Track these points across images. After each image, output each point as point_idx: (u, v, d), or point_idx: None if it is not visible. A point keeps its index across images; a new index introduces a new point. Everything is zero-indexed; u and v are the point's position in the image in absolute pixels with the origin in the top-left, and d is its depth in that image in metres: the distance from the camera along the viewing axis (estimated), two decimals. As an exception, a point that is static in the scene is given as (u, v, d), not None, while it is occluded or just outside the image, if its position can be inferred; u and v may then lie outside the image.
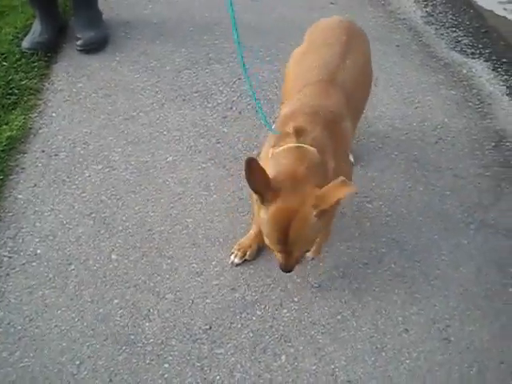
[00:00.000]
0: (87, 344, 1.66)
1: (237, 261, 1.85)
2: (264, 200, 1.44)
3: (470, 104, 2.47)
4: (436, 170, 2.18)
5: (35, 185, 2.10)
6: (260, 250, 1.87)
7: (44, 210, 2.01)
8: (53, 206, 2.03)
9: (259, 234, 1.79)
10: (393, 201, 2.06)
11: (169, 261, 1.87)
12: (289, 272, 1.58)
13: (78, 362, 1.62)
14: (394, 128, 2.34)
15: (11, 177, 2.12)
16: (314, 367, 1.62)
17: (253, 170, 1.40)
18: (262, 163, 1.44)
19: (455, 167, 2.19)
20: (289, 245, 1.45)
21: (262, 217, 1.47)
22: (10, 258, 1.87)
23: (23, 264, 1.85)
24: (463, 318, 1.73)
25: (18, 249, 1.89)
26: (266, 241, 1.51)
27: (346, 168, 1.70)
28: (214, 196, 2.07)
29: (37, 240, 1.92)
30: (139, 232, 1.95)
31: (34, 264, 1.85)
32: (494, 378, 1.60)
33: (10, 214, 2.00)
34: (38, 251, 1.89)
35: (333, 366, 1.62)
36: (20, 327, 1.69)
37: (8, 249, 1.89)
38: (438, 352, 1.66)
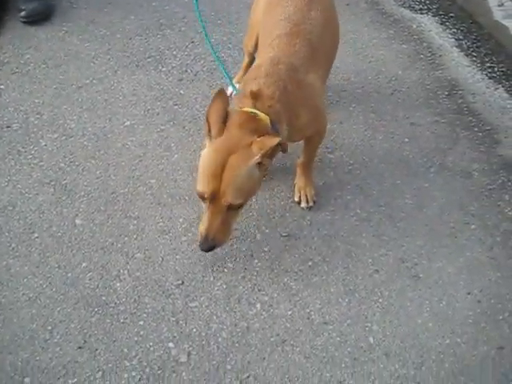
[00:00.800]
0: (58, 309, 1.62)
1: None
2: (211, 132, 1.50)
3: (422, 56, 2.52)
4: (393, 119, 2.21)
5: (-12, 157, 2.02)
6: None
7: (1, 181, 1.94)
8: (9, 177, 1.96)
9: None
10: (354, 150, 2.09)
11: (135, 221, 1.84)
12: (208, 249, 1.56)
13: (49, 328, 1.58)
14: (349, 82, 2.36)
15: (-38, 152, 2.04)
16: (289, 312, 1.63)
17: (218, 100, 1.48)
18: None
19: (412, 116, 2.22)
20: (221, 188, 1.47)
21: (203, 152, 1.52)
22: (-33, 230, 1.80)
23: (-17, 229, 1.79)
24: (430, 255, 1.78)
25: (-24, 222, 1.82)
26: (198, 185, 1.51)
27: (317, 122, 1.74)
28: (176, 156, 2.05)
29: (-5, 211, 1.86)
30: (102, 196, 1.91)
31: (-6, 234, 1.79)
32: (462, 308, 1.65)
33: (-35, 187, 1.92)
34: (-2, 222, 1.83)
35: (308, 310, 1.64)
36: (-14, 298, 1.64)
37: (-34, 222, 1.82)
38: (409, 289, 1.69)
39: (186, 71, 2.40)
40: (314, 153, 1.86)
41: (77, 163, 2.01)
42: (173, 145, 2.09)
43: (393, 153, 2.08)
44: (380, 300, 1.67)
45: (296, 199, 1.90)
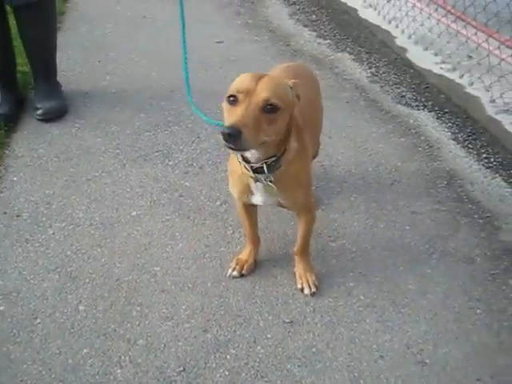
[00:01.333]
0: (56, 396, 1.59)
1: (235, 274, 1.94)
2: None
3: (420, 149, 2.61)
4: (394, 208, 2.25)
5: (-3, 245, 2.07)
6: (254, 267, 1.98)
7: (7, 268, 1.97)
8: (16, 263, 1.99)
9: (254, 250, 1.97)
10: (356, 238, 2.11)
11: (138, 308, 1.84)
12: (233, 136, 1.35)
13: (46, 416, 1.54)
14: (350, 173, 2.44)
15: (-28, 239, 2.09)
16: (292, 400, 1.59)
17: None
18: None
19: (412, 205, 2.27)
20: (257, 87, 1.42)
21: None
22: (-29, 317, 1.80)
23: (-14, 322, 1.79)
24: (436, 341, 1.75)
25: (-21, 307, 1.83)
26: (236, 84, 1.47)
27: (306, 196, 1.82)
28: (180, 245, 2.08)
29: (0, 297, 1.87)
30: (107, 283, 1.92)
31: (-3, 321, 1.79)
32: (472, 395, 1.61)
33: (-29, 274, 1.95)
34: (1, 308, 1.83)
35: (312, 397, 1.59)
36: (-17, 385, 1.61)
37: (-31, 308, 1.83)
38: (415, 375, 1.65)
39: (192, 165, 2.49)
40: (308, 237, 1.89)
41: (83, 251, 2.05)
42: (177, 234, 2.13)
43: (395, 240, 2.11)
44: (386, 387, 1.62)
45: (299, 286, 1.90)
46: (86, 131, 2.70)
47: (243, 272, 1.94)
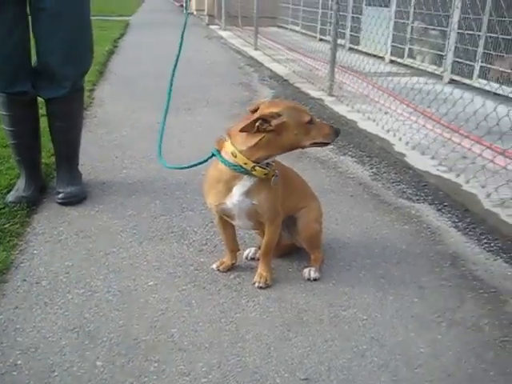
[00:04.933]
0: None
1: (213, 267, 2.40)
2: None
3: (423, 235, 2.74)
4: (402, 283, 2.34)
5: (16, 307, 2.11)
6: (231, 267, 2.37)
7: (25, 327, 2.01)
8: (35, 323, 2.03)
9: (232, 255, 2.41)
10: (366, 308, 2.18)
11: (156, 364, 1.86)
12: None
13: None
14: (358, 254, 2.54)
15: (-9, 302, 2.14)
16: None
17: None
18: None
19: (419, 281, 2.36)
20: None
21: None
22: (-12, 370, 1.82)
23: (2, 374, 1.80)
24: (451, 400, 1.76)
25: (-3, 361, 1.85)
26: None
27: (272, 210, 2.22)
28: (196, 310, 2.14)
29: (17, 352, 1.89)
30: (124, 341, 1.96)
31: (14, 373, 1.80)
32: None
33: (-10, 332, 1.98)
34: (19, 362, 1.85)
35: None
36: (-2, 433, 1.60)
37: (-14, 362, 1.85)
38: (433, 431, 1.65)
39: (206, 244, 2.60)
40: (271, 244, 2.28)
41: (101, 314, 2.09)
42: (193, 302, 2.19)
43: (404, 310, 2.17)
44: None
45: (254, 280, 2.30)
46: (104, 214, 2.84)
47: (220, 268, 2.39)
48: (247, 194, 2.12)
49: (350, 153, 3.78)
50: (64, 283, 2.27)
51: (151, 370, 1.83)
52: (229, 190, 2.13)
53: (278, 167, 2.21)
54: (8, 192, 2.92)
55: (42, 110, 2.99)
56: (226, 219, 2.28)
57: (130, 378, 1.80)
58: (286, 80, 6.29)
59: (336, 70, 5.41)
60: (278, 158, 2.19)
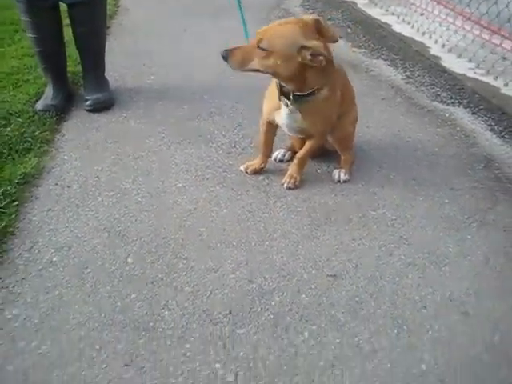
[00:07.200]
0: (106, 332, 1.64)
1: (241, 168, 2.39)
2: None
3: (456, 137, 2.66)
4: (433, 184, 2.30)
5: (49, 209, 2.15)
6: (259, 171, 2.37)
7: (59, 227, 2.05)
8: (67, 224, 2.07)
9: (263, 160, 2.38)
10: (395, 208, 2.16)
11: (184, 261, 1.90)
12: (223, 54, 1.97)
13: (97, 347, 1.59)
14: (389, 156, 2.50)
15: (26, 204, 2.18)
16: (337, 340, 1.61)
17: None
18: None
19: (450, 182, 2.31)
20: (264, 31, 1.95)
21: None
22: (25, 265, 1.88)
23: (39, 270, 1.86)
24: (478, 295, 1.76)
25: (33, 258, 1.91)
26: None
27: (323, 125, 2.22)
28: (225, 210, 2.15)
29: (52, 251, 1.94)
30: (154, 240, 1.99)
31: (50, 269, 1.86)
32: (516, 342, 1.61)
33: (26, 232, 2.03)
34: (54, 259, 1.91)
35: (357, 339, 1.62)
36: (37, 321, 1.67)
37: (23, 258, 1.91)
38: (459, 323, 1.67)
39: (234, 147, 2.58)
40: (310, 151, 2.27)
41: (131, 215, 2.12)
42: (221, 202, 2.20)
43: (434, 211, 2.14)
44: (429, 332, 1.64)
45: (283, 181, 2.30)
46: (132, 120, 2.82)
47: (248, 170, 2.37)
48: (300, 113, 2.10)
49: (382, 56, 3.63)
50: (94, 186, 2.29)
51: (180, 267, 1.87)
52: (280, 106, 2.13)
53: (341, 80, 2.19)
54: (37, 101, 2.91)
55: (67, 20, 2.92)
56: (272, 124, 2.27)
57: (160, 274, 1.84)
58: (317, -17, 6.00)
59: (370, -30, 5.10)
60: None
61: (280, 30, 1.94)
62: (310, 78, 1.99)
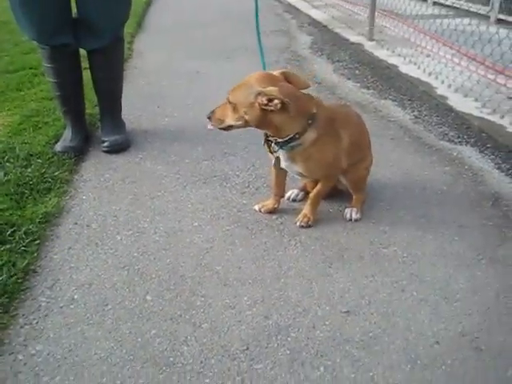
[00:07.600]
0: (127, 367, 1.69)
1: (256, 208, 2.46)
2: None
3: (465, 176, 2.73)
4: (442, 222, 2.36)
5: (70, 247, 2.23)
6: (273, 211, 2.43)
7: (79, 265, 2.12)
8: (87, 262, 2.14)
9: (275, 200, 2.45)
10: (406, 246, 2.21)
11: (202, 298, 1.95)
12: (209, 118, 2.17)
13: (118, 382, 1.64)
14: (398, 194, 2.56)
15: (47, 243, 2.26)
16: (352, 375, 1.65)
17: None
18: None
19: (459, 220, 2.37)
20: (233, 91, 2.12)
21: None
22: (47, 302, 1.94)
23: (61, 307, 1.92)
24: (491, 331, 1.80)
25: (55, 295, 1.97)
26: None
27: (327, 170, 2.29)
28: (240, 249, 2.21)
29: (73, 288, 2.01)
30: (172, 278, 2.05)
31: (71, 306, 1.92)
32: (529, 376, 1.64)
33: (47, 269, 2.10)
34: (75, 296, 1.97)
35: (371, 374, 1.66)
36: (60, 356, 1.72)
37: (45, 296, 1.97)
38: (472, 359, 1.70)
39: (248, 187, 2.66)
40: (321, 193, 2.34)
41: (149, 253, 2.19)
42: (237, 241, 2.26)
43: (443, 248, 2.20)
44: (443, 367, 1.67)
45: (296, 219, 2.36)
46: (148, 160, 2.92)
47: (262, 210, 2.45)
48: (292, 159, 2.19)
49: (390, 97, 3.74)
50: (113, 226, 2.37)
51: (198, 304, 1.93)
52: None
53: (354, 121, 2.33)
54: (56, 142, 3.02)
55: (86, 63, 3.06)
56: (279, 168, 2.33)
57: (178, 311, 1.90)
58: (324, 26, 6.18)
59: (376, 13, 5.28)
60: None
61: (241, 83, 2.08)
62: (280, 124, 2.07)
